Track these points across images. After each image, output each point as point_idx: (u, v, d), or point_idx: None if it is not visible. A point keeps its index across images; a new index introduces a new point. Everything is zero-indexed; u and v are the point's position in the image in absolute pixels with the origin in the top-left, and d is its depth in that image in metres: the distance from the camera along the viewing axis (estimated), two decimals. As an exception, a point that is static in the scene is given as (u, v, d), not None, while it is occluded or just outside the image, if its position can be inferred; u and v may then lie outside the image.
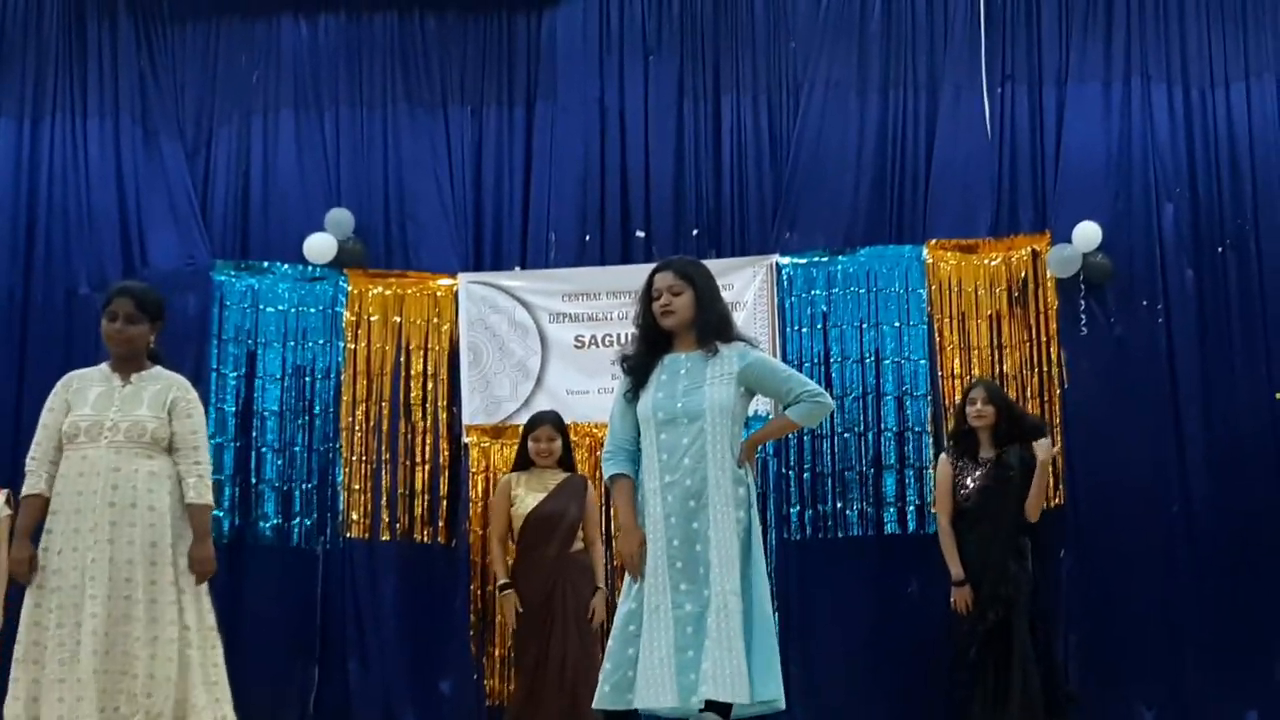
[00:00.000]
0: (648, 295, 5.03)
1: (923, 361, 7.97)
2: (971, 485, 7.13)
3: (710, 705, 4.64)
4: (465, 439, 8.20)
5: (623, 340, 5.18)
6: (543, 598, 6.88)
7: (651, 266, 5.23)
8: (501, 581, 7.17)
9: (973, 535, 7.09)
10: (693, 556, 4.78)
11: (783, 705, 4.88)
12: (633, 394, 5.01)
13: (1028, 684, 6.83)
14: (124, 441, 5.19)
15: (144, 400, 5.30)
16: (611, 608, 7.44)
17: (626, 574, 4.94)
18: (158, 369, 5.48)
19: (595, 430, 7.82)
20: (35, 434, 5.45)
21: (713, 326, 4.98)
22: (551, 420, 7.24)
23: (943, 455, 7.36)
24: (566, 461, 7.27)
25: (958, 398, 7.78)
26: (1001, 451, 7.13)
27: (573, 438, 7.69)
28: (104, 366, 5.48)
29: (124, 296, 5.37)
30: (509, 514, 7.17)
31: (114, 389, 5.33)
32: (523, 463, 7.24)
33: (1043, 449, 7.07)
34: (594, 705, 4.91)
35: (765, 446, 7.91)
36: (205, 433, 5.56)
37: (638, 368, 5.00)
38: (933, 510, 7.52)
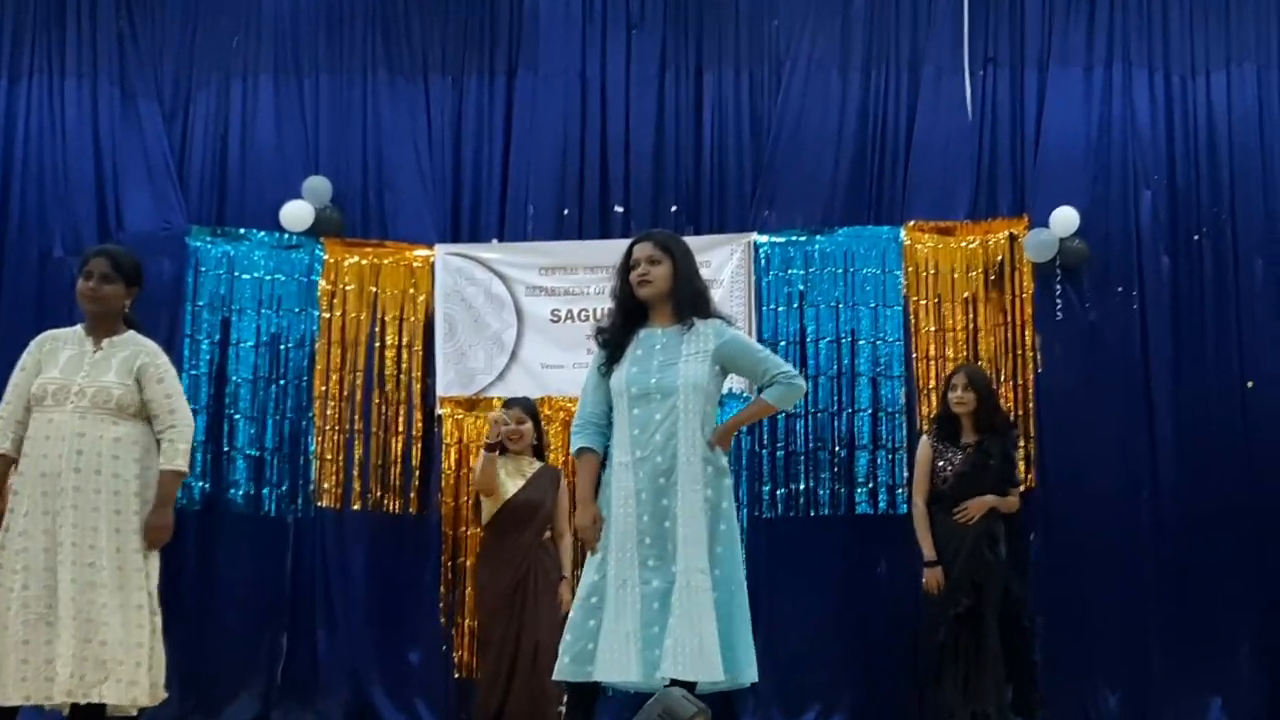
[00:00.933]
0: (625, 266, 5.01)
1: (898, 343, 7.98)
2: (950, 470, 7.13)
3: (675, 681, 4.65)
4: (439, 410, 8.18)
5: (599, 315, 5.17)
6: (515, 582, 6.84)
7: (630, 240, 5.22)
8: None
9: (948, 519, 7.10)
10: (661, 533, 4.77)
11: (754, 679, 4.89)
12: (606, 367, 5.00)
13: (995, 673, 6.88)
14: (89, 407, 5.17)
15: (112, 366, 5.27)
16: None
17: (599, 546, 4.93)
18: (131, 334, 5.45)
19: (569, 405, 7.79)
20: (4, 393, 5.42)
21: (689, 301, 4.97)
22: (522, 404, 7.22)
23: (924, 438, 7.37)
24: (538, 449, 7.21)
25: (932, 380, 7.83)
26: (982, 438, 7.14)
27: (546, 411, 7.69)
28: (79, 328, 5.46)
29: (101, 256, 5.39)
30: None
31: (85, 353, 5.31)
32: (497, 446, 7.13)
33: (1006, 504, 7.15)
34: (554, 677, 4.91)
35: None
36: (181, 396, 5.51)
37: (612, 341, 4.99)
38: (907, 491, 7.55)
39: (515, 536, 6.92)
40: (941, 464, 7.17)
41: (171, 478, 5.30)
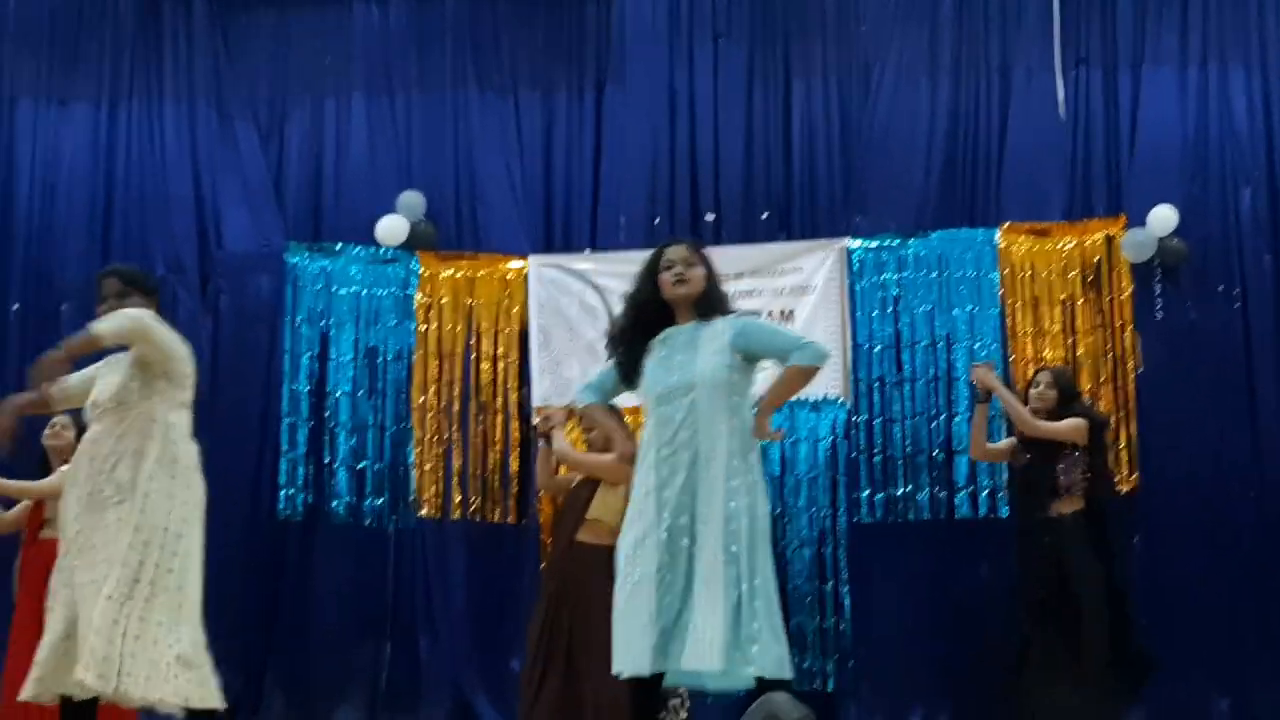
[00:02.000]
0: (653, 268, 5.00)
1: (995, 346, 7.93)
2: (1021, 465, 7.08)
3: (762, 682, 4.64)
4: (535, 420, 8.23)
5: (623, 310, 5.17)
6: (549, 593, 6.83)
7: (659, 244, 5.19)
8: None
9: (1017, 515, 7.13)
10: (682, 530, 4.77)
11: (783, 675, 4.82)
12: (620, 374, 5.01)
13: (1085, 665, 6.78)
14: (94, 419, 5.18)
15: (118, 367, 5.21)
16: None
17: (629, 537, 4.89)
18: None
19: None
20: None
21: (715, 305, 4.94)
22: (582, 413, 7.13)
23: (1012, 438, 7.30)
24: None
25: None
26: (1038, 447, 7.00)
27: (641, 419, 7.69)
28: None
29: (108, 276, 5.34)
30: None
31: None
32: None
33: (1061, 426, 6.92)
34: (613, 670, 4.81)
35: (834, 430, 7.92)
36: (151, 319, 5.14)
37: (625, 356, 4.98)
38: (1008, 493, 7.53)
39: (556, 540, 6.90)
40: (1020, 459, 7.11)
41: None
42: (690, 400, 4.77)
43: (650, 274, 4.97)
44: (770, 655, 4.64)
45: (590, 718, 6.42)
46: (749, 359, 4.90)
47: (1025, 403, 7.17)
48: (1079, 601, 6.76)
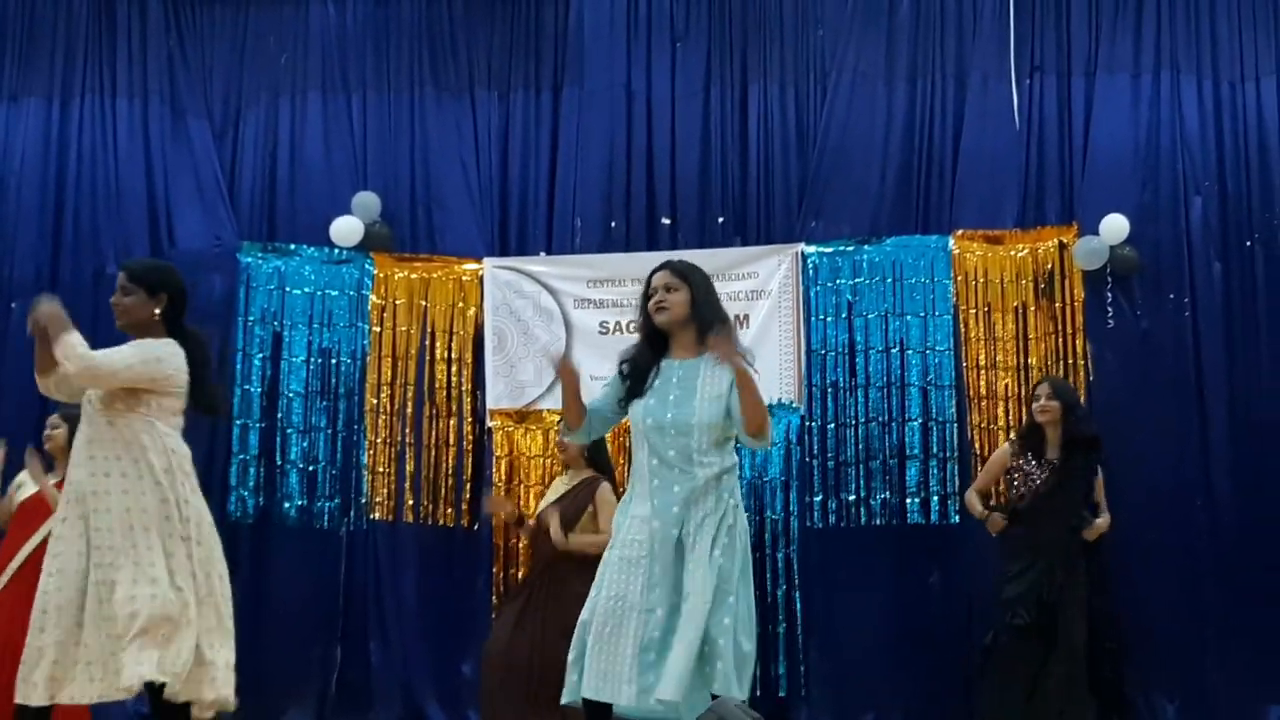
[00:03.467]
0: (645, 296, 5.02)
1: (948, 352, 7.97)
2: (1032, 487, 6.99)
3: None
4: (489, 423, 8.23)
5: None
6: (526, 592, 6.81)
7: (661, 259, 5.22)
8: None
9: (1027, 537, 6.95)
10: (671, 562, 4.77)
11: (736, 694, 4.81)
12: (626, 401, 4.99)
13: (1071, 686, 6.82)
14: (88, 417, 5.14)
15: None
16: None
17: (602, 561, 4.90)
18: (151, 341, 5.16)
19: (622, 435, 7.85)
20: None
21: (710, 325, 4.90)
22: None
23: (1006, 444, 7.29)
24: (598, 460, 7.06)
25: (983, 389, 7.83)
26: (1067, 456, 6.99)
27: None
28: None
29: (120, 270, 5.25)
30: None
31: None
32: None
33: (1095, 529, 7.09)
34: (562, 700, 4.87)
35: (788, 435, 7.93)
36: (119, 351, 5.02)
37: (634, 373, 4.98)
38: (958, 499, 7.54)
39: (539, 545, 6.89)
40: (1018, 479, 7.05)
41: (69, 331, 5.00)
42: (686, 443, 4.79)
43: (645, 301, 4.99)
44: (736, 674, 4.66)
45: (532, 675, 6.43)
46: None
47: (1030, 414, 7.14)
48: (1070, 625, 6.84)
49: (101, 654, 4.83)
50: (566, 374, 4.98)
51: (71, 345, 4.97)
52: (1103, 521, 7.15)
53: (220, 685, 4.95)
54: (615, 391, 5.00)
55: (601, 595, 4.78)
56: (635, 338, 5.07)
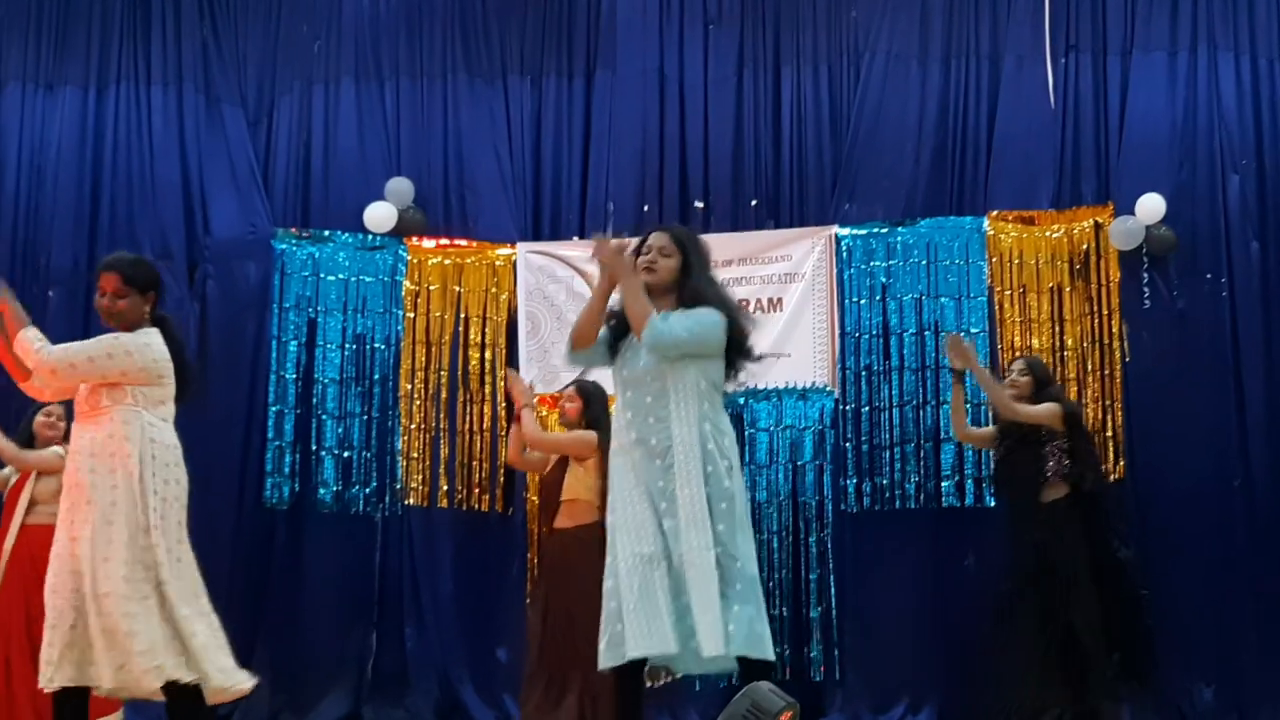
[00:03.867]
0: (638, 252, 5.00)
1: (982, 334, 7.92)
2: (1001, 453, 7.12)
3: (746, 669, 4.67)
4: (504, 381, 8.21)
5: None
6: (541, 568, 6.85)
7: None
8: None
9: (1001, 504, 7.20)
10: (665, 511, 4.76)
11: (770, 656, 4.78)
12: (610, 338, 5.01)
13: (1070, 667, 6.81)
14: (77, 416, 5.16)
15: None
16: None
17: (608, 527, 4.91)
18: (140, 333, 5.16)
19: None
20: None
21: (694, 297, 4.90)
22: (576, 384, 7.07)
23: (994, 426, 7.33)
24: (595, 428, 6.96)
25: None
26: (1026, 429, 7.03)
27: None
28: None
29: (110, 271, 5.15)
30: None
31: None
32: None
33: (1039, 410, 6.99)
34: (599, 666, 4.86)
35: (823, 418, 7.91)
36: (87, 343, 5.09)
37: (617, 325, 5.00)
38: (992, 483, 7.55)
39: (546, 519, 6.94)
40: (999, 449, 7.18)
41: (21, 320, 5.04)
42: (660, 386, 4.81)
43: (635, 257, 4.98)
44: (753, 635, 4.67)
45: (581, 704, 6.48)
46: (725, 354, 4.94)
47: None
48: (1066, 587, 6.79)
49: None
50: (614, 261, 4.87)
51: (28, 341, 4.97)
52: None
53: (216, 671, 4.98)
54: (607, 336, 5.03)
55: (619, 558, 4.78)
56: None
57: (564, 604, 6.65)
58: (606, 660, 4.79)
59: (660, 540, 4.73)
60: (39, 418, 7.09)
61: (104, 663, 4.86)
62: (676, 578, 4.70)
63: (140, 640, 4.83)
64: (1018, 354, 7.79)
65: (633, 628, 4.68)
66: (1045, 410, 6.95)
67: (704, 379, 4.85)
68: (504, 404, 8.27)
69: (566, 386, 7.20)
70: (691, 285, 4.92)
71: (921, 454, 7.91)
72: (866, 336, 8.02)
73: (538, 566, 6.91)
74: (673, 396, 4.80)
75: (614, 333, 5.01)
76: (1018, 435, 7.03)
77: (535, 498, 7.90)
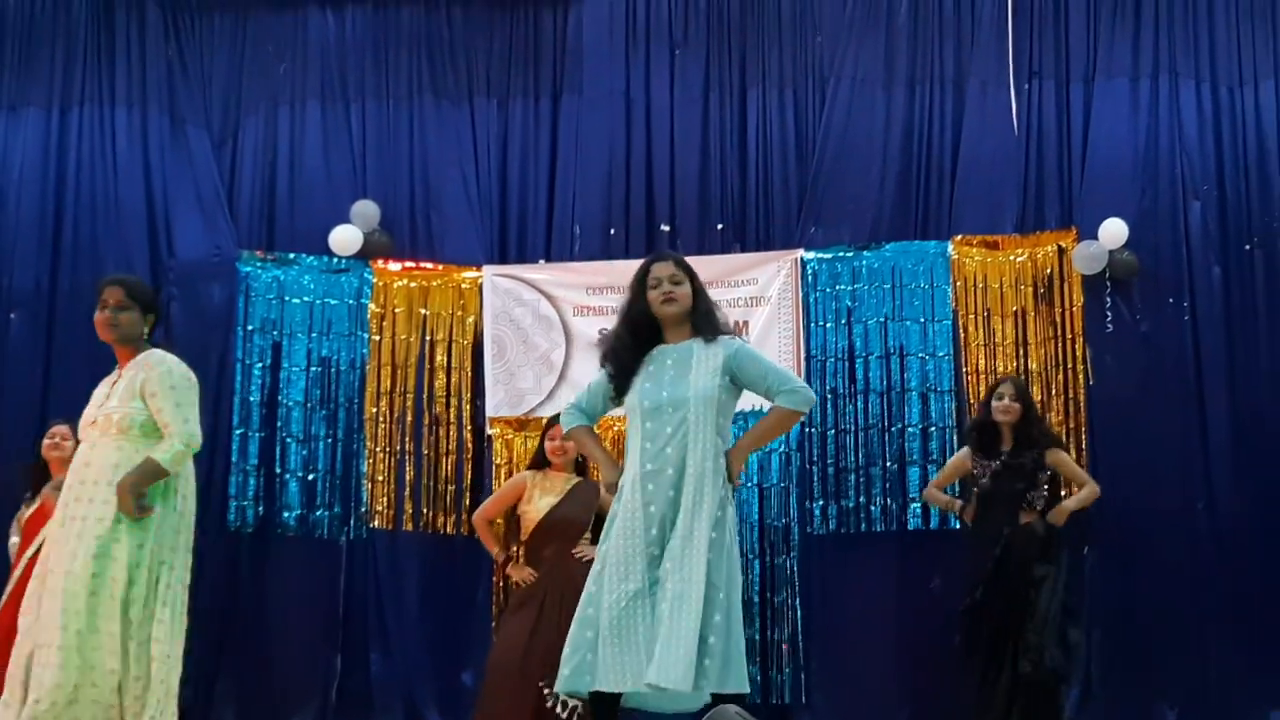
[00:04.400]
0: (642, 285, 5.04)
1: (947, 358, 7.97)
2: (987, 476, 7.12)
3: (717, 696, 4.68)
4: (489, 431, 8.22)
5: (616, 326, 5.20)
6: (534, 584, 6.80)
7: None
8: (499, 554, 7.19)
9: (979, 523, 7.14)
10: (667, 543, 4.79)
11: (739, 689, 4.79)
12: (616, 396, 5.04)
13: (1017, 672, 6.86)
14: (98, 436, 5.16)
15: (119, 391, 5.21)
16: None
17: (596, 557, 4.95)
18: (145, 354, 5.28)
19: (617, 423, 7.84)
20: None
21: (704, 319, 5.03)
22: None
23: (964, 449, 7.34)
24: (580, 464, 7.08)
25: (982, 394, 7.78)
26: (1020, 447, 7.10)
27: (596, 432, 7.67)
28: None
29: (115, 285, 5.30)
30: (517, 512, 7.09)
31: (109, 384, 5.31)
32: (539, 461, 7.07)
33: (1077, 500, 7.20)
34: (555, 689, 4.93)
35: (788, 442, 7.92)
36: (185, 406, 5.19)
37: (621, 365, 5.01)
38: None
39: (545, 550, 6.86)
40: (977, 471, 7.17)
41: (154, 465, 5.04)
42: (681, 417, 4.83)
43: (639, 291, 5.01)
44: (725, 672, 4.67)
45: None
46: (736, 383, 4.98)
47: (986, 409, 7.19)
48: (1035, 606, 6.88)
49: None
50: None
51: (163, 458, 5.08)
52: (1070, 503, 7.17)
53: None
54: (604, 389, 5.05)
55: (604, 590, 4.79)
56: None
57: (563, 611, 6.63)
58: (567, 685, 4.81)
59: (649, 574, 4.75)
60: (45, 441, 7.04)
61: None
62: (659, 609, 4.70)
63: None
64: (981, 377, 7.85)
65: (606, 661, 4.70)
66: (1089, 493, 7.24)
67: (723, 415, 4.95)
68: (469, 428, 8.25)
69: (558, 423, 7.01)
70: (702, 310, 5.03)
71: (887, 477, 7.94)
72: (832, 360, 8.05)
73: (538, 582, 6.78)
74: (693, 427, 4.84)
75: (624, 370, 5.01)
76: (1017, 466, 7.08)
77: (503, 520, 7.83)
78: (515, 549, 7.16)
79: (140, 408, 5.13)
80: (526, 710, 6.47)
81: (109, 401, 5.19)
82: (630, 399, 4.97)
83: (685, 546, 4.73)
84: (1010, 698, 6.89)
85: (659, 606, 4.70)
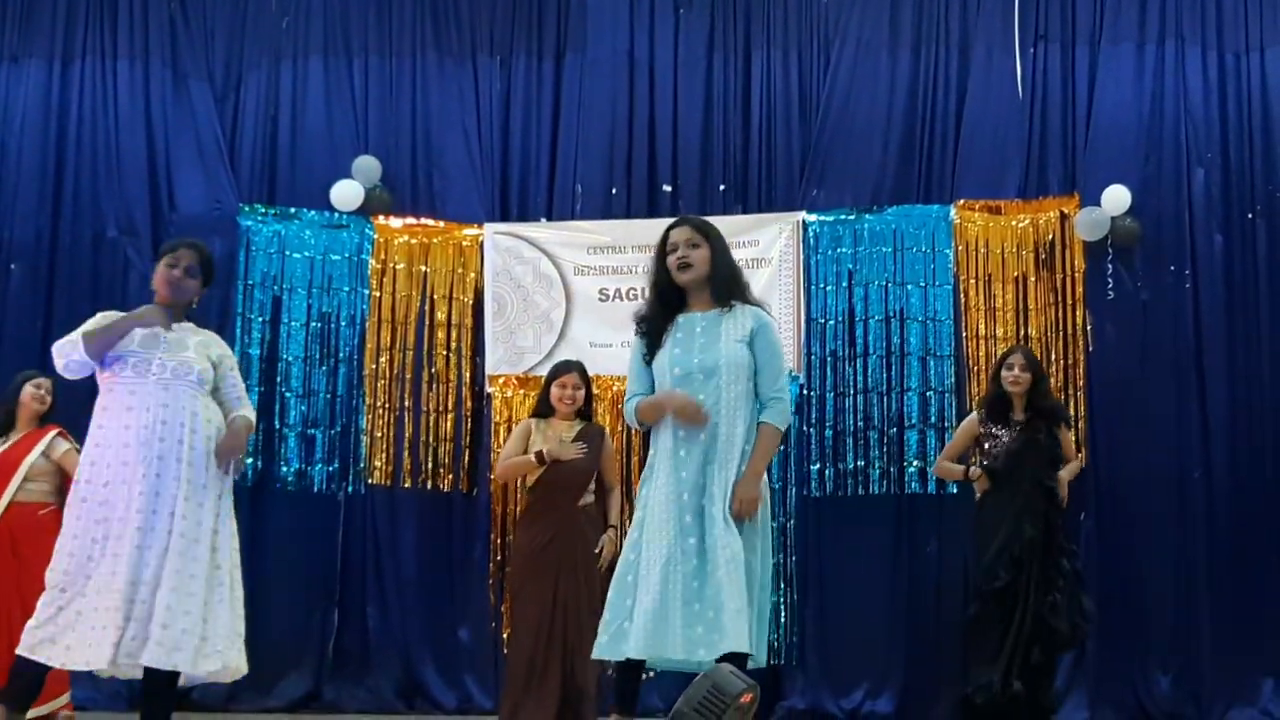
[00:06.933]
0: (662, 251, 5.01)
1: (947, 322, 7.97)
2: (1000, 448, 7.08)
3: (723, 657, 4.66)
4: (488, 388, 8.22)
5: (647, 295, 5.15)
6: (549, 544, 6.75)
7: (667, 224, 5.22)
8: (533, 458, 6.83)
9: (995, 496, 7.05)
10: (701, 511, 4.78)
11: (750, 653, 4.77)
12: (649, 355, 5.00)
13: (1028, 645, 6.86)
14: (171, 379, 5.19)
15: (189, 345, 5.26)
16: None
17: (633, 523, 4.95)
18: (197, 326, 5.40)
19: (617, 383, 7.85)
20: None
21: (726, 284, 4.94)
22: (578, 369, 6.95)
23: (973, 414, 7.31)
24: (585, 412, 7.02)
25: (982, 359, 7.80)
26: (1031, 417, 7.07)
27: (595, 390, 7.66)
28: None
29: (191, 250, 5.34)
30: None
31: (158, 333, 5.29)
32: (543, 410, 6.97)
33: (1069, 471, 7.19)
34: (593, 655, 4.92)
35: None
36: (235, 373, 5.45)
37: (652, 329, 4.99)
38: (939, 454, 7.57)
39: (554, 499, 6.77)
40: (989, 444, 7.12)
41: (246, 424, 5.32)
42: (714, 384, 4.80)
43: (660, 259, 4.98)
44: (739, 633, 4.67)
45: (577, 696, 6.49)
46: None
47: (996, 380, 7.16)
48: (1063, 558, 6.93)
49: None
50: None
51: (246, 421, 5.33)
52: (1066, 472, 7.16)
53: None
54: (643, 350, 4.99)
55: (641, 559, 4.79)
56: (634, 305, 5.10)
57: (576, 583, 6.64)
58: (604, 652, 4.80)
59: (682, 539, 4.72)
60: (28, 388, 7.02)
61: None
62: (701, 577, 4.68)
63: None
64: (981, 342, 7.85)
65: (640, 629, 4.68)
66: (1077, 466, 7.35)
67: (750, 378, 4.87)
68: (469, 385, 8.25)
69: (568, 370, 6.92)
70: (722, 276, 4.94)
71: (885, 440, 7.95)
72: (832, 322, 8.05)
73: (551, 543, 6.73)
74: (724, 393, 4.81)
75: (652, 333, 4.98)
76: (1045, 425, 7.06)
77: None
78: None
79: (211, 372, 5.26)
80: (555, 678, 6.52)
81: (177, 350, 5.19)
82: (658, 365, 4.92)
83: (727, 526, 4.70)
84: (1016, 657, 6.86)
85: (701, 575, 4.68)
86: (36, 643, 4.93)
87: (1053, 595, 6.81)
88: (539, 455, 6.69)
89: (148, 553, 4.98)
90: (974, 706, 6.88)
